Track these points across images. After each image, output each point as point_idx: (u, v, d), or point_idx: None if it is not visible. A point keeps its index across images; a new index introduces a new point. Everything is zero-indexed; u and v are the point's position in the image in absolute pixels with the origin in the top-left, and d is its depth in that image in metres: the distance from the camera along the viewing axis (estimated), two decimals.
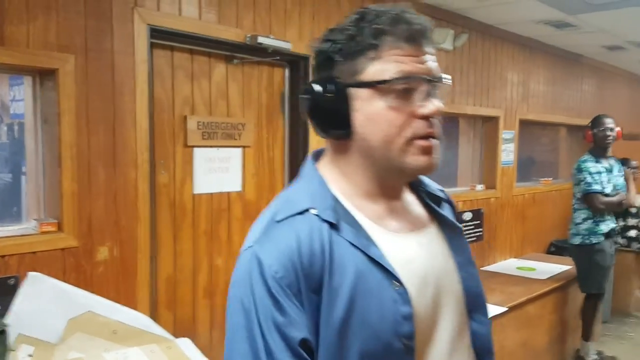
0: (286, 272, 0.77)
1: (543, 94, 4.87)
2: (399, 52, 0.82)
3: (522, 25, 3.88)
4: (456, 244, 0.95)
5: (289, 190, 0.90)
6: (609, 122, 3.74)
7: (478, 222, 4.05)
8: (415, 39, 0.83)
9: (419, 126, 0.83)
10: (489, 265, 4.30)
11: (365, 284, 0.80)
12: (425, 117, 0.83)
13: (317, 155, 0.95)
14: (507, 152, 4.31)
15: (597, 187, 3.63)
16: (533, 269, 4.19)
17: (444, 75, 0.88)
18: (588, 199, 3.65)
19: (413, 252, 0.88)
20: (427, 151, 0.84)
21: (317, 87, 0.85)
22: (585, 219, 3.71)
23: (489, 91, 4.08)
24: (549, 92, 4.96)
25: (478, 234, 4.05)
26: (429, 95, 0.83)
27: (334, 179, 0.89)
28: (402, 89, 0.82)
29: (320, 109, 0.85)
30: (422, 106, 0.83)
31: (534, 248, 4.90)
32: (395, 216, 0.90)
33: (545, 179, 5.19)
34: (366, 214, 0.87)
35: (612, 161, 3.85)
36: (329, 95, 0.84)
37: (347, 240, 0.82)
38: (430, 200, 0.98)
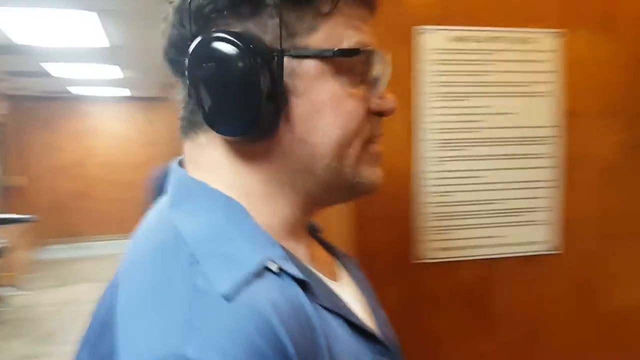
0: None
1: None
2: (357, 14, 0.54)
3: None
4: (361, 280, 0.67)
5: (198, 228, 0.50)
6: None
7: None
8: (373, 3, 0.56)
9: (375, 125, 0.56)
10: None
11: None
12: (383, 114, 0.57)
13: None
14: None
15: None
16: None
17: None
18: None
19: (361, 305, 0.61)
20: (379, 161, 0.58)
21: (230, 49, 0.49)
22: None
23: None
24: None
25: None
26: (380, 83, 0.56)
27: (246, 206, 0.53)
28: (362, 70, 0.54)
29: (229, 87, 0.49)
30: (381, 97, 0.56)
31: None
32: (318, 257, 0.61)
33: None
34: (303, 259, 0.55)
35: None
36: (249, 65, 0.49)
37: (325, 307, 0.51)
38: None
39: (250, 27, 0.51)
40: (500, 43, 1.01)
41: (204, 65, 0.50)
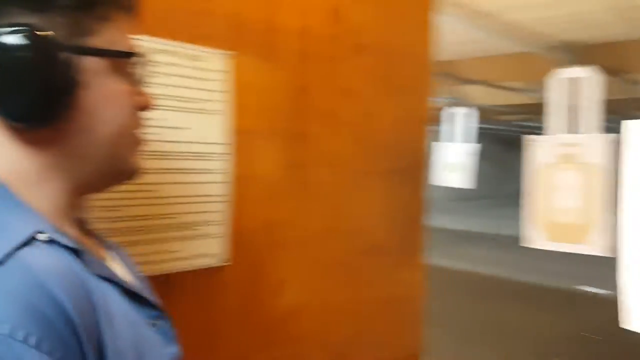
0: (55, 342, 0.46)
1: None
2: (127, 21, 0.62)
3: None
4: (132, 267, 0.73)
5: None
6: None
7: None
8: (134, 10, 0.64)
9: (139, 118, 0.64)
10: None
11: (139, 332, 0.58)
12: (144, 108, 0.65)
13: None
14: None
15: None
16: None
17: None
18: None
19: (132, 281, 0.67)
20: (140, 149, 0.65)
21: (19, 40, 0.52)
22: None
23: None
24: None
25: None
26: (142, 82, 0.64)
27: (19, 188, 0.56)
28: (132, 70, 0.62)
29: (15, 76, 0.52)
30: (142, 94, 0.64)
31: None
32: (87, 241, 0.64)
33: None
34: (73, 237, 0.57)
35: None
36: (35, 57, 0.53)
37: (98, 275, 0.56)
38: None
39: (39, 21, 0.53)
40: (173, 57, 1.02)
41: None
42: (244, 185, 1.14)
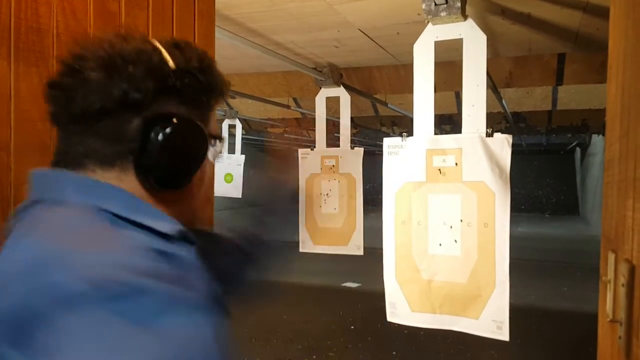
0: None
1: None
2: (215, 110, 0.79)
3: None
4: None
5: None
6: None
7: None
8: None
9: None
10: None
11: None
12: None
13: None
14: None
15: None
16: None
17: None
18: None
19: None
20: None
21: (188, 125, 0.72)
22: None
23: None
24: None
25: None
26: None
27: None
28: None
29: (184, 151, 0.72)
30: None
31: None
32: None
33: None
34: None
35: None
36: (200, 138, 0.74)
37: None
38: None
39: (184, 111, 0.71)
40: None
41: (164, 132, 0.67)
42: None
